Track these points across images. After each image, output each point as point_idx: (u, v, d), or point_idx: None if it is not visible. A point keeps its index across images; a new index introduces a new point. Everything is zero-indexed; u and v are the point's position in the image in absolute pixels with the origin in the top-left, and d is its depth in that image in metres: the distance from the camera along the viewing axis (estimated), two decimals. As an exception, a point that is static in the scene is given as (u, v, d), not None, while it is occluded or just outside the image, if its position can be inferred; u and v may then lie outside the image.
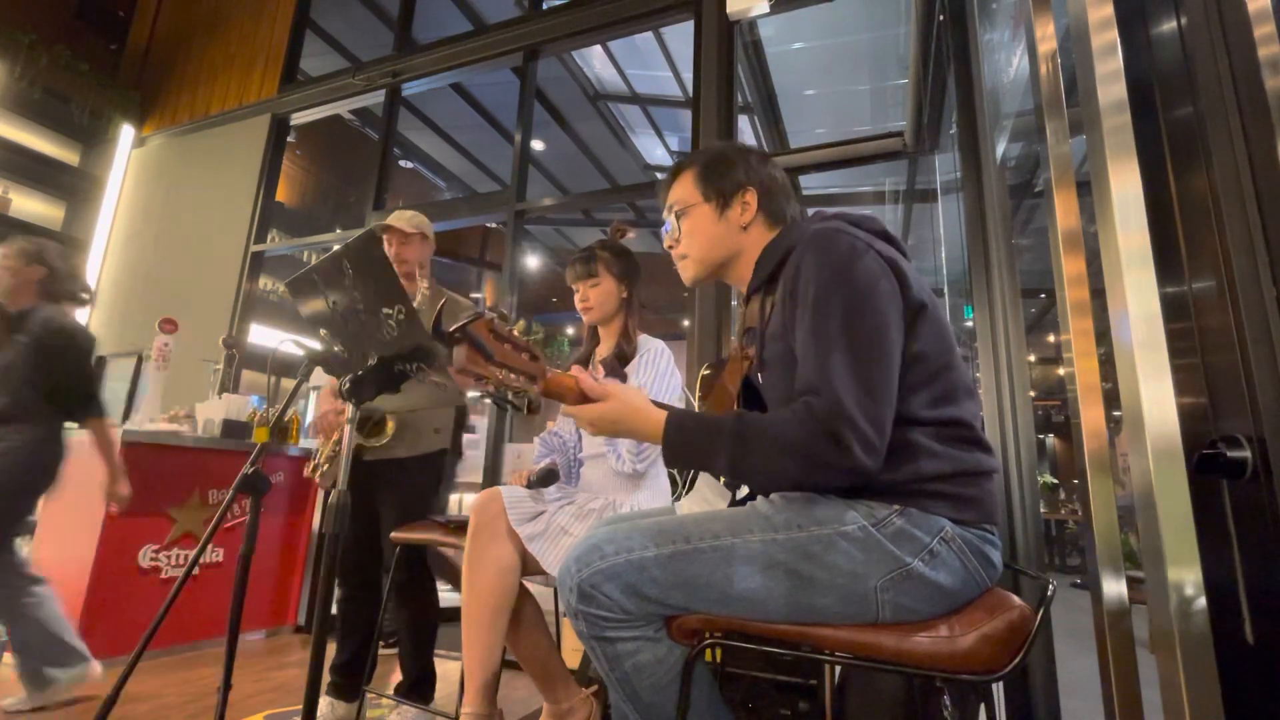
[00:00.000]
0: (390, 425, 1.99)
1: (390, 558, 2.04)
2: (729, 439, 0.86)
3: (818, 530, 0.86)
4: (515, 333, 0.90)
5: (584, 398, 0.96)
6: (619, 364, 1.72)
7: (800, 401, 0.84)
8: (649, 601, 0.88)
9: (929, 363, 0.90)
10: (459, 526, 1.63)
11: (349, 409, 1.32)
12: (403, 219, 2.18)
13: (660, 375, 1.68)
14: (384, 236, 2.18)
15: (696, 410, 1.18)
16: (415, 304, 2.16)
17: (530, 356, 0.91)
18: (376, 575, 2.14)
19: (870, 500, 0.87)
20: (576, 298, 1.78)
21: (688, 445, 0.90)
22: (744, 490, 1.09)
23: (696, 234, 1.10)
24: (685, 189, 1.11)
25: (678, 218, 1.11)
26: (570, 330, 9.77)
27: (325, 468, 2.07)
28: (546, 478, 1.62)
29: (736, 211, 1.08)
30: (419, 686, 2.06)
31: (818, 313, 0.88)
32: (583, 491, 1.64)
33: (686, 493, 1.15)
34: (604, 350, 1.81)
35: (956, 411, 0.90)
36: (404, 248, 2.17)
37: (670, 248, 1.14)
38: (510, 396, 0.93)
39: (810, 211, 1.14)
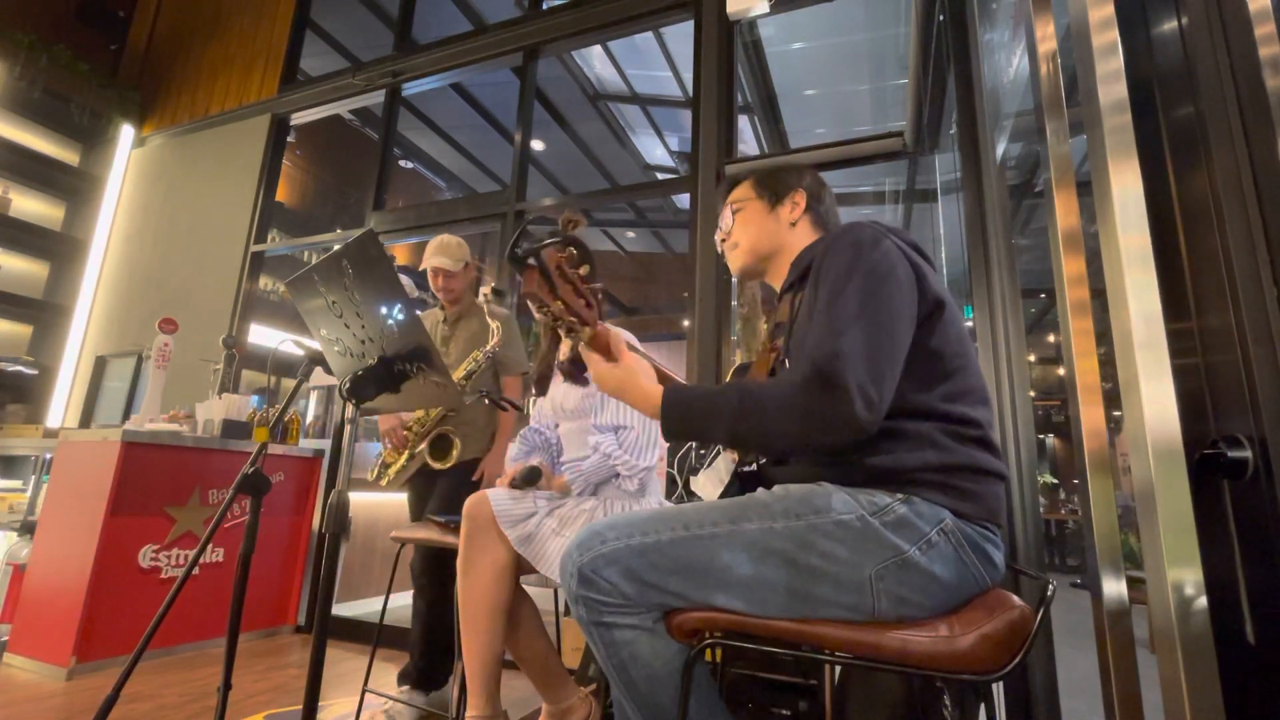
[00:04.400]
0: (456, 448, 2.10)
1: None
2: (729, 405, 0.88)
3: (815, 519, 0.87)
4: (580, 277, 0.91)
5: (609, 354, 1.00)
6: (575, 368, 1.68)
7: (804, 360, 0.87)
8: (649, 587, 0.89)
9: (944, 361, 0.93)
10: (458, 527, 1.64)
11: (350, 407, 1.32)
12: (448, 254, 2.22)
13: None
14: (430, 271, 2.24)
15: None
16: (457, 318, 2.29)
17: (587, 304, 0.92)
18: (446, 578, 2.16)
19: (873, 489, 0.89)
20: None
21: (687, 416, 0.92)
22: (748, 467, 1.12)
23: (748, 225, 1.19)
24: (743, 189, 1.22)
25: (734, 213, 1.21)
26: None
27: (392, 476, 2.18)
28: (530, 477, 1.61)
29: (787, 209, 1.17)
30: (427, 675, 2.09)
31: (835, 287, 0.91)
32: (574, 495, 1.63)
33: (706, 467, 1.17)
34: (564, 352, 1.77)
35: (969, 411, 0.92)
36: (451, 279, 2.25)
37: (722, 240, 1.23)
38: (566, 326, 0.93)
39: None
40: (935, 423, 0.90)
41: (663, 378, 1.02)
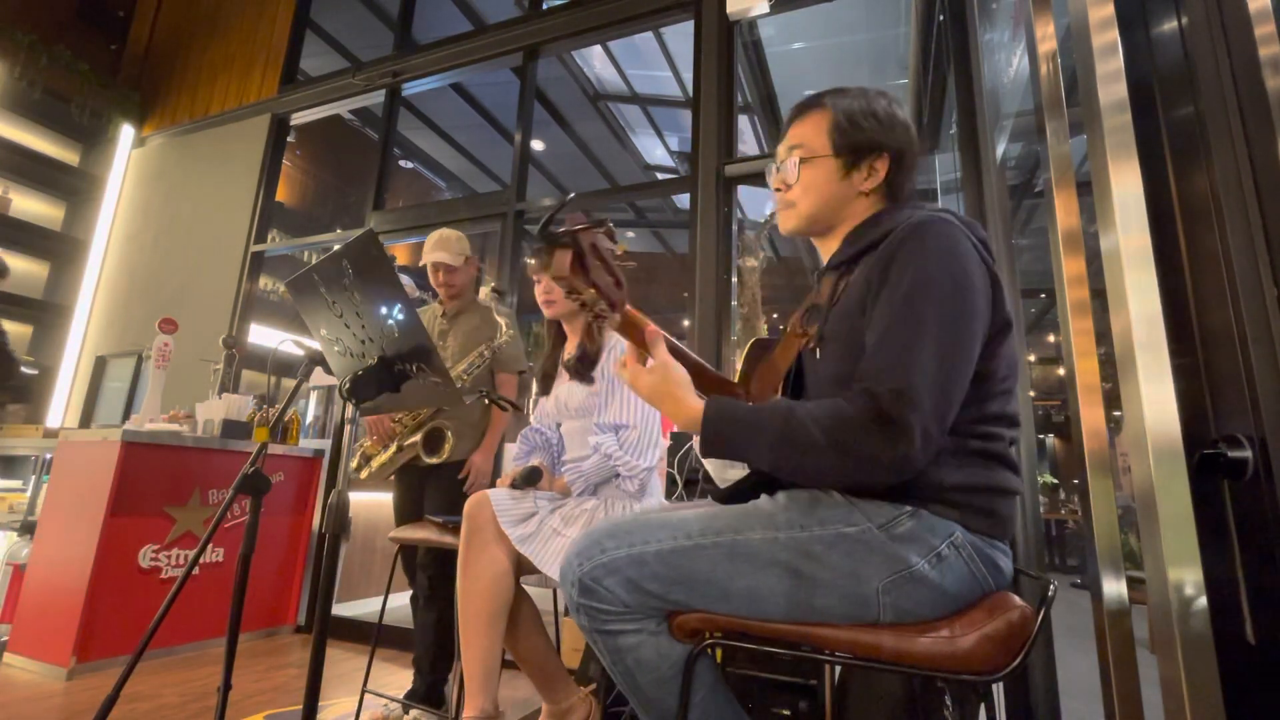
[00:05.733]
0: (449, 443, 2.06)
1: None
2: (776, 435, 0.82)
3: (819, 530, 0.86)
4: (612, 255, 0.86)
5: (643, 353, 0.93)
6: (582, 367, 1.68)
7: (861, 389, 0.80)
8: (650, 596, 0.88)
9: (992, 383, 0.87)
10: (457, 527, 1.64)
11: (350, 407, 1.31)
12: (448, 249, 2.21)
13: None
14: (430, 266, 2.24)
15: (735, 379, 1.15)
16: (457, 313, 2.27)
17: (617, 283, 0.87)
18: (445, 573, 2.13)
19: (881, 501, 0.86)
20: (538, 289, 1.72)
21: (728, 436, 0.86)
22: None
23: (813, 188, 1.02)
24: (817, 133, 1.02)
25: (800, 164, 1.02)
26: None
27: (374, 469, 2.13)
28: (530, 477, 1.61)
29: (862, 174, 1.00)
30: (435, 690, 2.07)
31: (913, 298, 0.82)
32: (575, 495, 1.63)
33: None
34: (570, 351, 1.77)
35: (996, 429, 0.88)
36: (451, 274, 2.24)
37: (778, 189, 1.06)
38: (594, 308, 0.88)
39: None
40: (956, 439, 0.85)
41: (699, 372, 0.94)
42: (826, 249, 1.06)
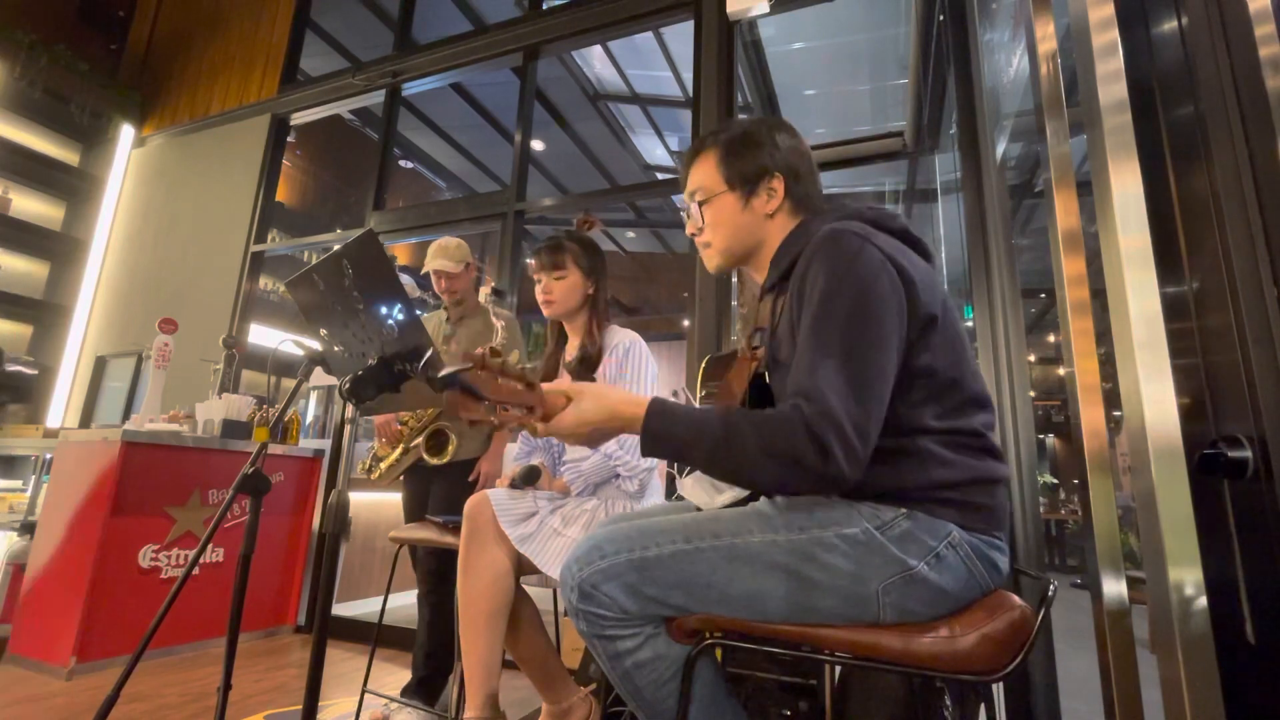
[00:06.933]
0: (453, 444, 2.08)
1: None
2: (711, 435, 0.83)
3: (819, 532, 0.86)
4: (508, 363, 0.86)
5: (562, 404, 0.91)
6: (584, 369, 1.68)
7: (789, 404, 0.82)
8: (649, 601, 0.88)
9: (939, 376, 0.87)
10: (457, 528, 1.64)
11: (350, 407, 1.31)
12: (449, 256, 2.25)
13: (640, 376, 1.64)
14: (433, 274, 2.27)
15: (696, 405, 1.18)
16: (460, 317, 2.31)
17: (525, 385, 0.88)
18: (444, 569, 2.15)
19: (877, 503, 0.86)
20: (538, 289, 1.74)
21: (668, 436, 0.86)
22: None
23: (720, 224, 1.05)
24: (708, 174, 1.05)
25: (700, 205, 1.06)
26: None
27: (383, 470, 2.15)
28: (529, 476, 1.61)
29: (762, 199, 1.03)
30: (426, 685, 2.08)
31: (819, 316, 0.85)
32: (575, 495, 1.64)
33: (688, 474, 1.13)
34: (571, 351, 1.78)
35: (968, 422, 0.89)
36: (453, 281, 2.27)
37: (693, 235, 1.10)
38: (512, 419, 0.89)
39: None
40: (935, 437, 0.86)
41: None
42: (761, 277, 1.08)
